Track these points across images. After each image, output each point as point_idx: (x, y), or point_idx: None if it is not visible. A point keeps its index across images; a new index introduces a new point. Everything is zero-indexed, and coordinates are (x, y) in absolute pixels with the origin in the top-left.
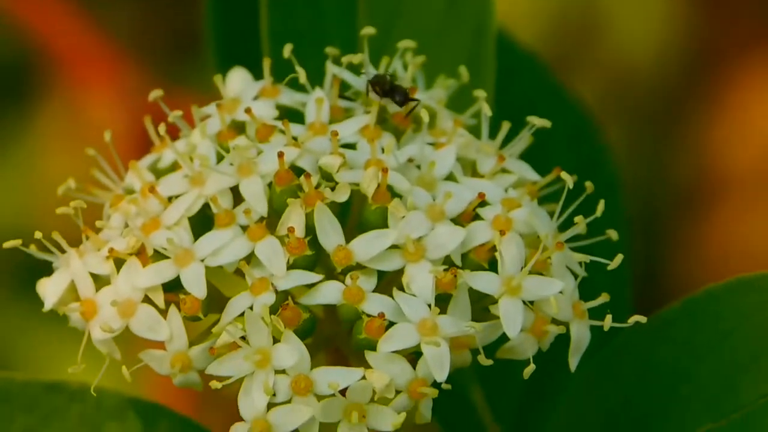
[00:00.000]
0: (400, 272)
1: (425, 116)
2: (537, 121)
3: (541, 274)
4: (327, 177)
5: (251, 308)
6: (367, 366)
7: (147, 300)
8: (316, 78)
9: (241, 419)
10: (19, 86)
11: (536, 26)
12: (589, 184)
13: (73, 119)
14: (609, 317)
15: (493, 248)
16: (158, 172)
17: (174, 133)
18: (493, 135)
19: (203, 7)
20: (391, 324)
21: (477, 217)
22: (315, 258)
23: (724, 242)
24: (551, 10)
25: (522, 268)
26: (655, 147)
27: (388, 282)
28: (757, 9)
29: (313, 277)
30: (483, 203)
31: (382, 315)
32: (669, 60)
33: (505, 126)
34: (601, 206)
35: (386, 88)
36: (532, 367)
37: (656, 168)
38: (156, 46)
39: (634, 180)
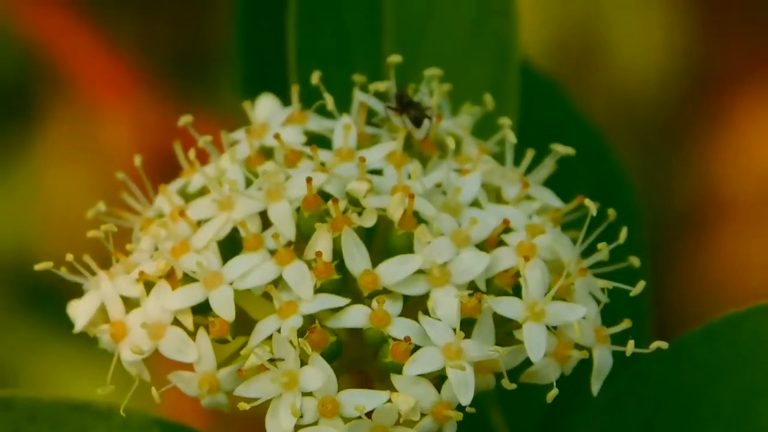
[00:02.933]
0: (425, 297)
1: (451, 143)
2: (561, 149)
3: (565, 300)
4: (354, 202)
5: (279, 331)
6: (392, 389)
7: (176, 322)
8: (342, 103)
9: None
10: (25, 103)
11: (536, 50)
12: (611, 212)
13: (80, 137)
14: (631, 342)
15: (518, 274)
16: (187, 197)
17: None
18: (516, 161)
19: (228, 33)
20: (417, 348)
21: (501, 243)
22: (342, 282)
23: (725, 265)
24: (551, 35)
25: (545, 293)
26: (654, 171)
27: (414, 306)
28: (757, 34)
29: (339, 301)
30: (507, 229)
31: (408, 339)
32: (669, 84)
33: (530, 153)
34: (624, 233)
35: (405, 101)
36: (555, 391)
37: (656, 192)
38: (163, 65)
39: None
